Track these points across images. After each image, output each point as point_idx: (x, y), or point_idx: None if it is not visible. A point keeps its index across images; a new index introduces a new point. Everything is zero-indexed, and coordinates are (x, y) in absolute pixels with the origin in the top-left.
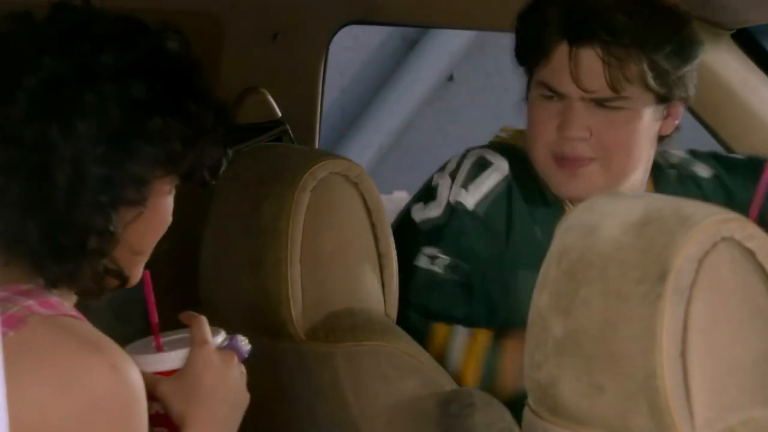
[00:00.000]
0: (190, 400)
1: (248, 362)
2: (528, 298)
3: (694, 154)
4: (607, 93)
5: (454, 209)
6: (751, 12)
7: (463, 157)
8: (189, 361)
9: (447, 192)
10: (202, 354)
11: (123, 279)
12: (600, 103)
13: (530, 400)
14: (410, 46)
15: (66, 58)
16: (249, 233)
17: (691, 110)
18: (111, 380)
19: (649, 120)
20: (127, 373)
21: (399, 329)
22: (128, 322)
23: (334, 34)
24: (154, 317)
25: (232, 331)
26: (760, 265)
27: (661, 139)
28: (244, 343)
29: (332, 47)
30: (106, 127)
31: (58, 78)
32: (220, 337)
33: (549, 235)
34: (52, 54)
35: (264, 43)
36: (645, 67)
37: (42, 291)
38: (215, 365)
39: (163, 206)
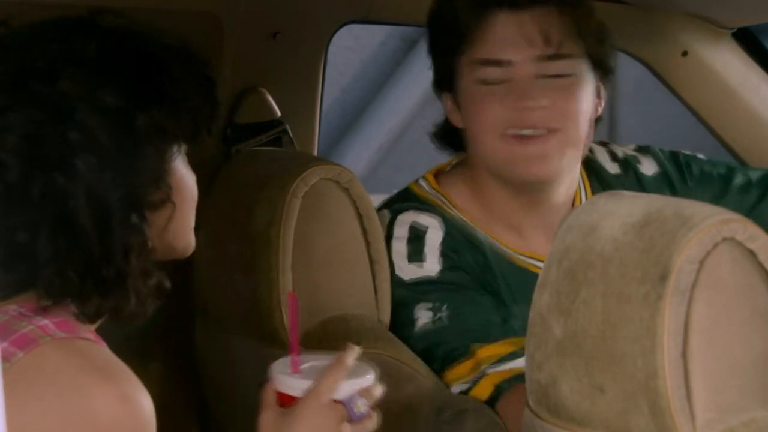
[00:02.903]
0: None
1: (243, 368)
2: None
3: (642, 149)
4: (553, 50)
5: (419, 283)
6: (751, 11)
7: (392, 224)
8: (299, 402)
9: (405, 267)
10: (313, 403)
11: (164, 291)
12: (547, 76)
13: (530, 401)
14: (410, 46)
15: (31, 107)
16: (242, 238)
17: (692, 109)
18: (117, 410)
19: (591, 91)
20: (136, 404)
21: (392, 336)
22: None
23: (334, 34)
24: (295, 338)
25: (227, 336)
26: (761, 266)
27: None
28: (360, 403)
29: (332, 47)
30: (102, 151)
31: (34, 129)
32: (359, 380)
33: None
34: (14, 108)
35: (264, 42)
36: (591, 27)
37: (59, 308)
38: (318, 420)
39: (184, 182)
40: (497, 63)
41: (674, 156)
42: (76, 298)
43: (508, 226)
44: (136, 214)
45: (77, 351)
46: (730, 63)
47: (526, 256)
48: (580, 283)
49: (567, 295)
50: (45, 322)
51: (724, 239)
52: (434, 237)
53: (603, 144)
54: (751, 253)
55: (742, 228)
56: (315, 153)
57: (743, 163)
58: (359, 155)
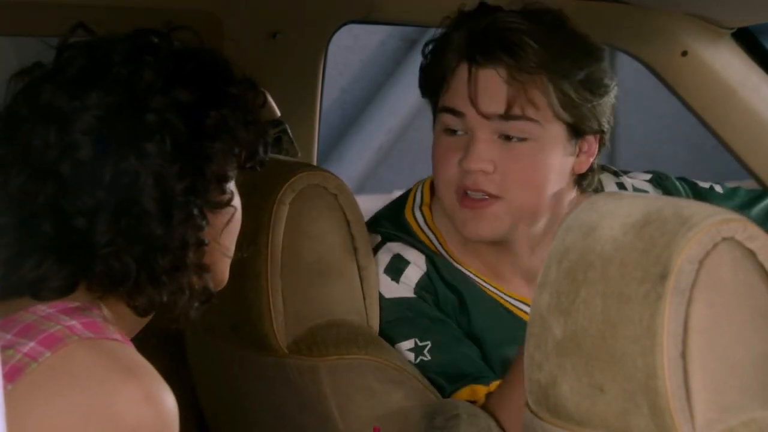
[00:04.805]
0: None
1: (233, 373)
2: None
3: (658, 181)
4: (502, 111)
5: (398, 303)
6: (751, 11)
7: (378, 249)
8: None
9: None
10: None
11: (211, 295)
12: (505, 136)
13: (530, 401)
14: (410, 46)
15: (110, 90)
16: None
17: (692, 109)
18: (142, 410)
19: (559, 154)
20: (162, 404)
21: (382, 341)
22: None
23: (334, 34)
24: None
25: (217, 342)
26: (761, 266)
27: (579, 178)
28: None
29: (332, 47)
30: (174, 139)
31: (111, 111)
32: None
33: (481, 318)
34: (96, 88)
35: (264, 42)
36: (551, 94)
37: (88, 310)
38: None
39: (236, 200)
40: (454, 112)
41: (694, 189)
42: (130, 286)
43: (491, 270)
44: (197, 209)
45: (104, 350)
46: (730, 63)
47: (511, 297)
48: (580, 283)
49: (567, 295)
50: (73, 322)
51: (724, 239)
52: (412, 275)
53: (615, 174)
54: (751, 253)
55: (742, 228)
56: (315, 153)
57: (742, 164)
58: (359, 155)
